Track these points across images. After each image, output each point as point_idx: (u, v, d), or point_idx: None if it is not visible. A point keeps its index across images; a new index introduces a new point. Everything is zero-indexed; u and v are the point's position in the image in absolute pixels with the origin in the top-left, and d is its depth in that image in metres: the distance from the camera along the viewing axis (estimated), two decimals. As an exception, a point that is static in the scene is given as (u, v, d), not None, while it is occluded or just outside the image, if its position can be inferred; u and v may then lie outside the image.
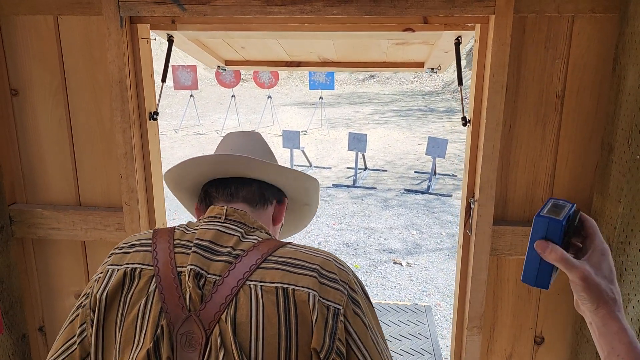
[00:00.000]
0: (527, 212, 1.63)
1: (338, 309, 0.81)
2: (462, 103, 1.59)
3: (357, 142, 8.42)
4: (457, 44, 1.61)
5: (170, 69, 13.01)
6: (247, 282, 0.82)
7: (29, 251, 1.85)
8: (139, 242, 0.93)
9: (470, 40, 1.69)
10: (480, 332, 1.66)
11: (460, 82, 1.63)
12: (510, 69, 1.51)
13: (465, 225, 1.64)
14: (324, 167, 9.48)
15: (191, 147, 11.10)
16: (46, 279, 1.87)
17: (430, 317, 2.81)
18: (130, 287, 0.86)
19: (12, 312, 1.79)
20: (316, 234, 6.12)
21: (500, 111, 1.47)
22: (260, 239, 0.91)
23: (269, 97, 13.87)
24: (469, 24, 1.48)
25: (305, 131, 12.89)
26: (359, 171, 8.85)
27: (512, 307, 1.71)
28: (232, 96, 13.71)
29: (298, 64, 2.17)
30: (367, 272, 5.10)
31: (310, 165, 9.44)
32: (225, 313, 0.80)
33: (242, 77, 13.27)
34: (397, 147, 11.29)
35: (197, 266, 0.85)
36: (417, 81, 22.48)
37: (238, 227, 0.93)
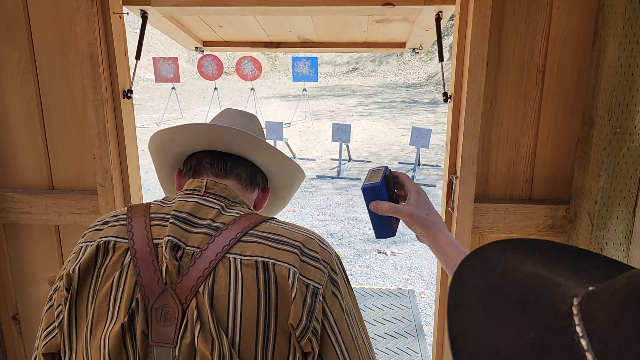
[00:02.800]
0: (509, 190, 1.63)
1: (317, 288, 0.79)
2: (443, 79, 1.57)
3: (341, 132, 8.40)
4: (438, 19, 1.58)
5: (151, 60, 12.74)
6: (227, 256, 0.79)
7: (0, 237, 1.79)
8: (113, 218, 0.90)
9: (450, 19, 1.67)
10: (463, 310, 1.65)
11: (441, 58, 1.61)
12: (491, 45, 1.49)
13: (447, 203, 1.63)
14: (307, 159, 9.44)
15: (173, 140, 10.97)
16: (19, 266, 1.81)
17: (414, 300, 2.81)
18: (103, 260, 0.83)
19: (-17, 300, 1.74)
20: (300, 224, 6.09)
21: (481, 85, 1.45)
22: (241, 213, 0.88)
23: (252, 89, 13.76)
24: (450, -3, 1.46)
25: (289, 123, 12.83)
26: (343, 162, 8.83)
27: (494, 286, 1.70)
28: (215, 89, 13.56)
29: (277, 44, 2.13)
30: (351, 261, 5.10)
31: (294, 157, 9.39)
32: (202, 286, 0.76)
33: (224, 69, 13.13)
34: (381, 138, 11.30)
35: (174, 237, 0.81)
36: (400, 73, 22.52)
37: (218, 200, 0.90)
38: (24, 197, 1.69)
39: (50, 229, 1.76)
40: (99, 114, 1.54)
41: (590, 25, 1.46)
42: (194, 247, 0.81)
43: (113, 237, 0.84)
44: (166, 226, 0.84)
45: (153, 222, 0.85)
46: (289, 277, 0.77)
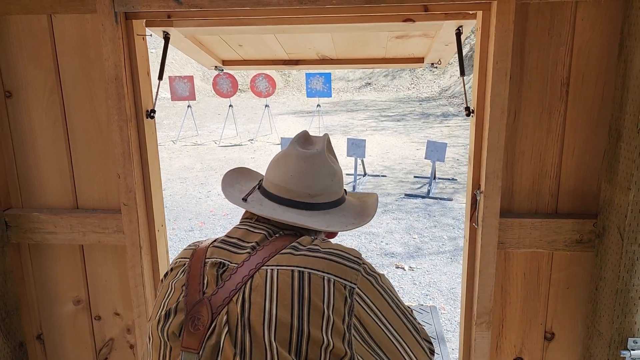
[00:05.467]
0: (534, 204, 1.60)
1: (353, 287, 0.85)
2: (465, 93, 1.56)
3: (356, 147, 8.40)
4: (458, 34, 1.58)
5: (167, 79, 12.90)
6: (264, 267, 0.86)
7: (25, 257, 1.81)
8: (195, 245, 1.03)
9: (470, 33, 1.67)
10: (490, 327, 1.62)
11: (462, 73, 1.60)
12: (514, 58, 1.48)
13: (471, 218, 1.61)
14: (323, 174, 9.42)
15: (189, 157, 11.06)
16: (43, 285, 1.83)
17: (436, 317, 2.76)
18: (173, 270, 0.98)
19: (8, 320, 1.75)
20: (317, 240, 6.06)
21: (504, 99, 1.44)
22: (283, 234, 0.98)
23: (266, 106, 13.86)
24: (470, 12, 1.45)
25: (304, 139, 12.86)
26: (358, 177, 8.81)
27: (521, 303, 1.67)
28: (230, 106, 13.69)
29: (296, 62, 2.14)
30: (369, 277, 5.04)
31: (309, 173, 9.40)
32: (236, 296, 0.84)
33: (239, 87, 13.27)
34: (395, 152, 11.27)
35: (219, 257, 0.92)
36: (413, 88, 22.52)
37: (266, 227, 0.98)
38: (49, 217, 1.71)
39: (74, 249, 1.78)
40: (124, 134, 1.56)
41: (616, 36, 1.44)
42: (235, 263, 0.90)
43: (182, 258, 0.99)
44: (221, 248, 0.95)
45: (213, 244, 0.96)
46: (323, 285, 0.84)
